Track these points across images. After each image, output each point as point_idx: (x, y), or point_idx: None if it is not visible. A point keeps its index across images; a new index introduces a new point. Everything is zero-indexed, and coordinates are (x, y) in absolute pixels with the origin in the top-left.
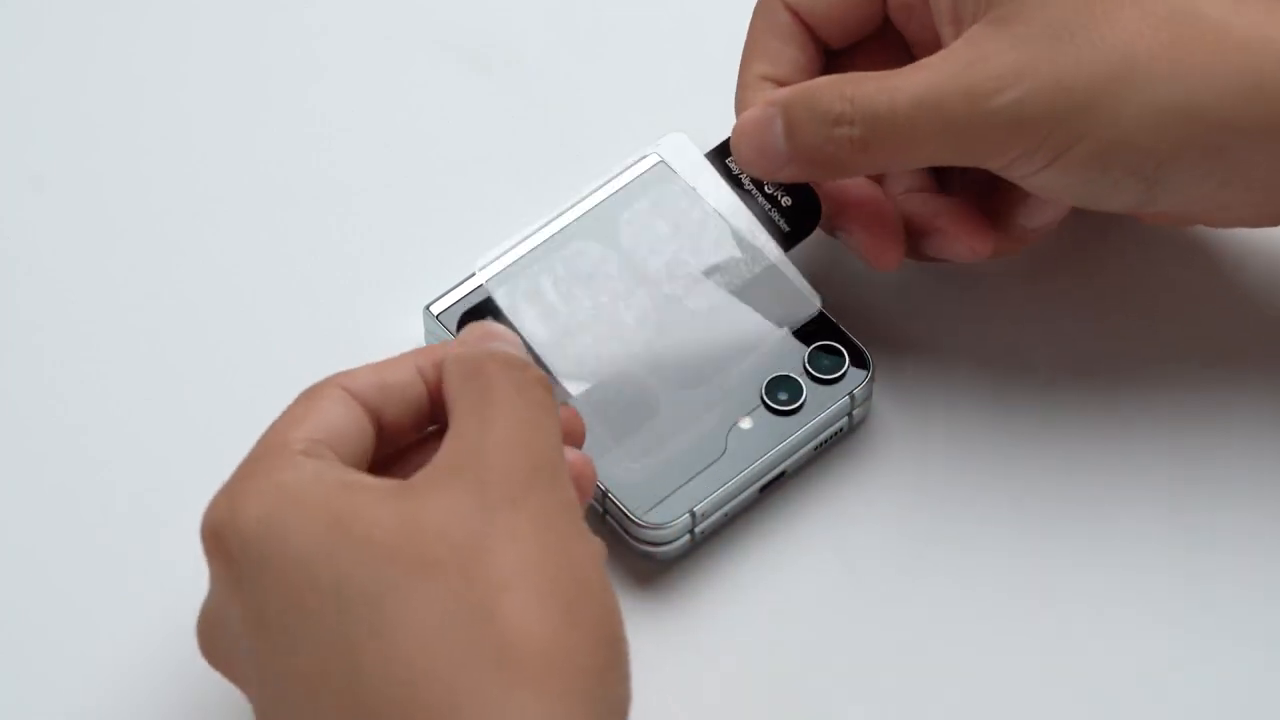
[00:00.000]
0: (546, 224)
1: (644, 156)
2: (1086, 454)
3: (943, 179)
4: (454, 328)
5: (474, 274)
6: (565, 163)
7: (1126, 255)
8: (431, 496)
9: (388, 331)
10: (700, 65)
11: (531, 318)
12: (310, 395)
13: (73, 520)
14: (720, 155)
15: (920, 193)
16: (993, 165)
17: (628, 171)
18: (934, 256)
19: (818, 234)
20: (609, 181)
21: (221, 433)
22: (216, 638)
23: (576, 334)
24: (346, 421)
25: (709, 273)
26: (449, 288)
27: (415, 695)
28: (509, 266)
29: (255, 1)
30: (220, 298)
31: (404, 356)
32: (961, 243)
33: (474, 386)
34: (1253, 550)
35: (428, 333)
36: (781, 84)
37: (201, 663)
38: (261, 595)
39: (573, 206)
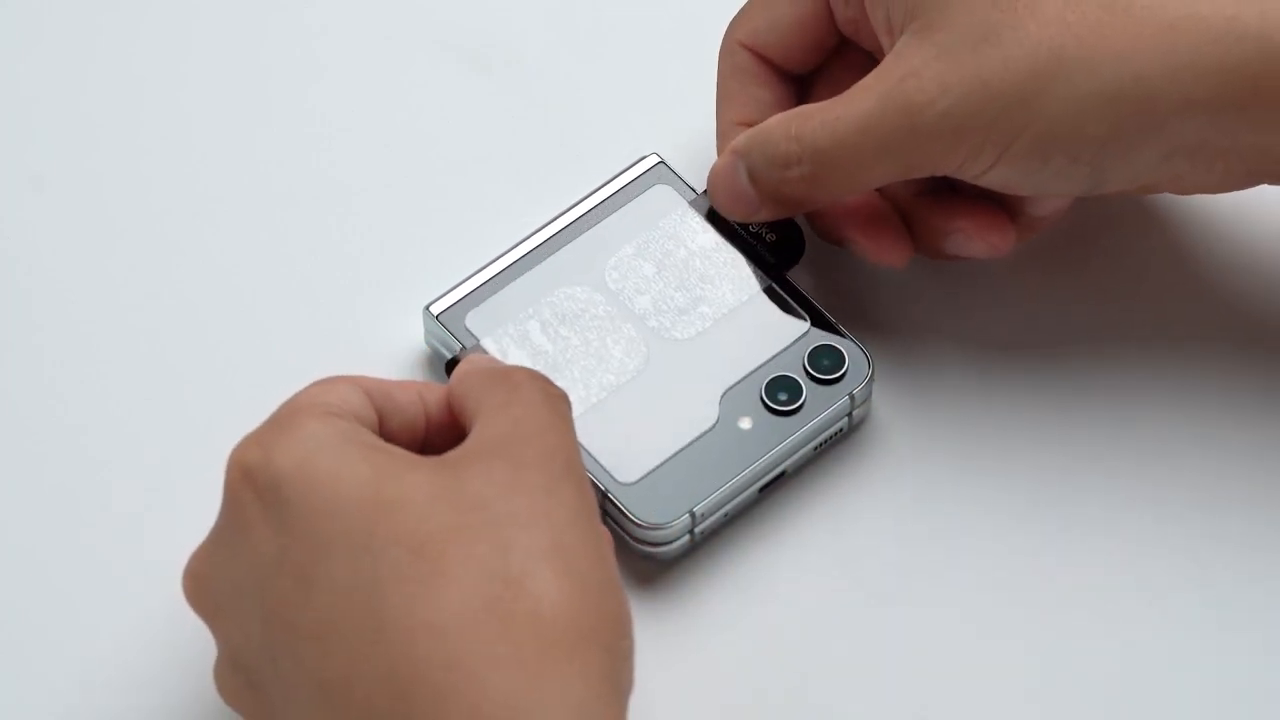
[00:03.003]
0: (520, 246)
1: (643, 158)
2: (1087, 453)
3: (948, 176)
4: (453, 328)
5: (428, 307)
6: (565, 163)
7: (1130, 254)
8: (470, 471)
9: (388, 331)
10: (701, 65)
11: (520, 359)
12: (328, 380)
13: (73, 520)
14: (707, 197)
15: (933, 194)
16: (944, 172)
17: (622, 176)
18: (954, 255)
19: (815, 238)
20: (595, 201)
21: (221, 433)
22: (212, 578)
23: (565, 368)
24: (362, 410)
25: (695, 305)
26: (449, 288)
27: (435, 653)
28: (496, 313)
29: (255, 1)
30: (220, 298)
31: (408, 381)
32: (981, 240)
33: (501, 389)
34: (1264, 548)
35: (427, 333)
36: (755, 125)
37: (202, 662)
38: (286, 539)
39: (559, 218)
